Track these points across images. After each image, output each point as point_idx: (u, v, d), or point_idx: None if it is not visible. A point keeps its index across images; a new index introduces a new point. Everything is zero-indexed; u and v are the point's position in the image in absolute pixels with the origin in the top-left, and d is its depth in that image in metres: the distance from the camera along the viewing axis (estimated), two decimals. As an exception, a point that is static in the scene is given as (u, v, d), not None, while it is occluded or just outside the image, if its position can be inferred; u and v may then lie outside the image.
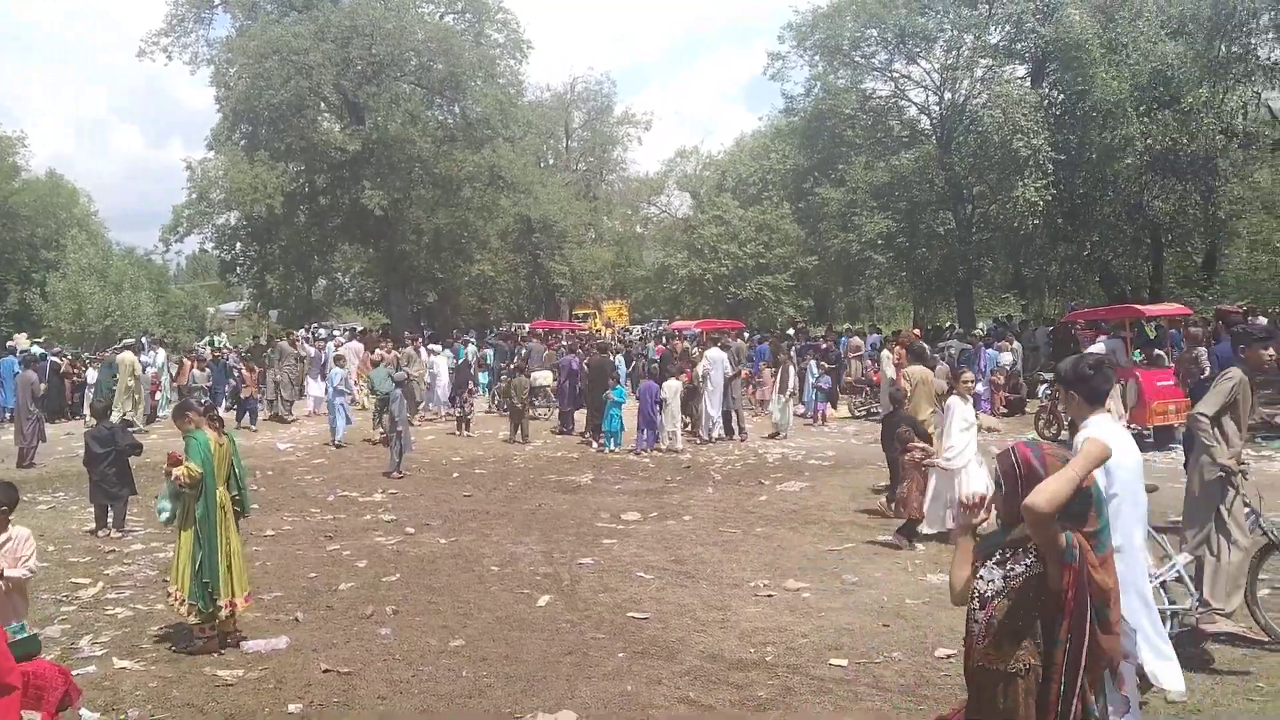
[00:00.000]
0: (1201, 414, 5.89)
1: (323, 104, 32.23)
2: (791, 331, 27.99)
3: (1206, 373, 9.54)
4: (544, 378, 20.16)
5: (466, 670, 5.88)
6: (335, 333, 30.12)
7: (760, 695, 5.44)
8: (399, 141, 29.70)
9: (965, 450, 8.97)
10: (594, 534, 9.63)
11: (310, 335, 26.37)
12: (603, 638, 6.47)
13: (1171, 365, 15.53)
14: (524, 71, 35.49)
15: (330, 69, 29.24)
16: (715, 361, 16.29)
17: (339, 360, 17.94)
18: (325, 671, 5.90)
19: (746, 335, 28.50)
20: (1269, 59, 23.05)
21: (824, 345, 22.57)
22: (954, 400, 9.20)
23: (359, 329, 34.92)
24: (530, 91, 42.24)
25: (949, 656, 5.99)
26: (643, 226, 55.67)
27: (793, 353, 19.18)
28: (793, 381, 17.30)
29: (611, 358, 18.99)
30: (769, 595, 7.40)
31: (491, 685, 5.64)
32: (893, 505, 9.75)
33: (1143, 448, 12.79)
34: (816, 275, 35.31)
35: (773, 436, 16.57)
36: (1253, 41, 22.96)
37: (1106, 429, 3.76)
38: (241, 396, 20.02)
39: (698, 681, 5.65)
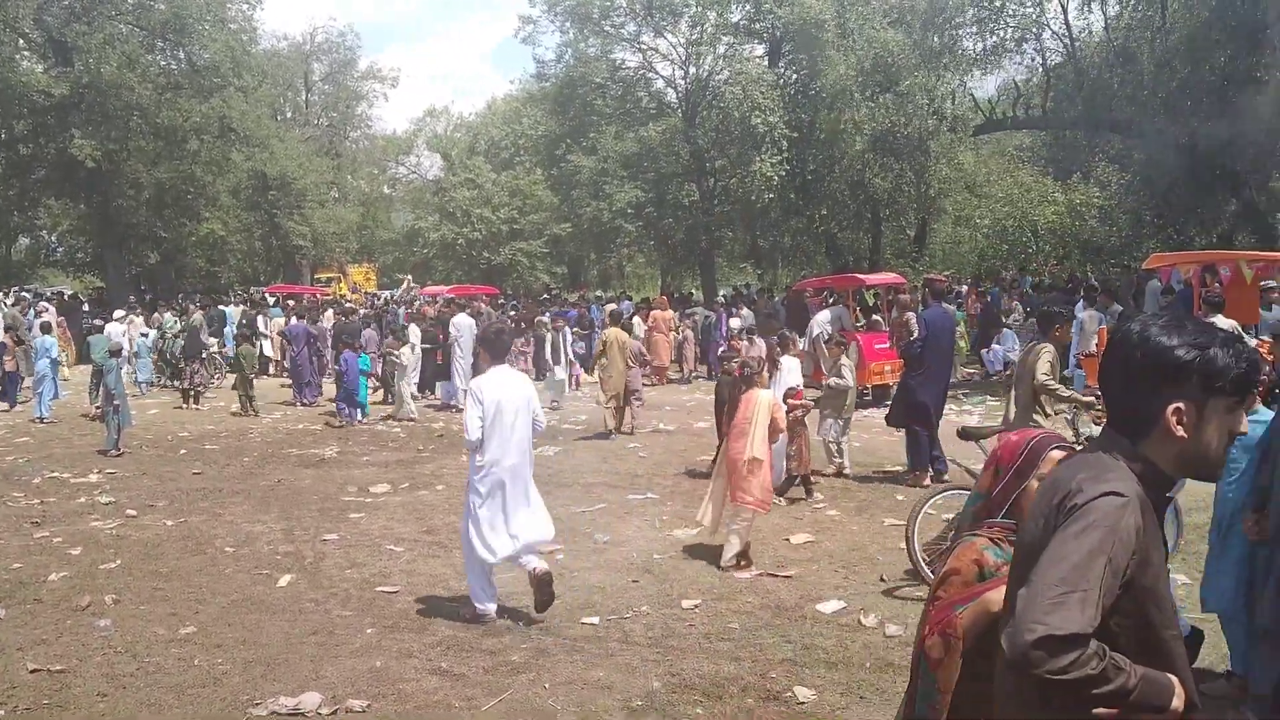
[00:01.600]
0: (1047, 381, 7.44)
1: (21, 41, 28.53)
2: (545, 298, 28.16)
3: (915, 335, 10.50)
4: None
5: (199, 658, 5.50)
6: (42, 298, 26.97)
7: (514, 660, 5.47)
8: (114, 87, 26.83)
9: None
10: (339, 508, 9.27)
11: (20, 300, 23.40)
12: (350, 615, 6.26)
13: (887, 329, 17.00)
14: (258, 18, 33.12)
15: (30, 1, 25.91)
16: (463, 328, 16.03)
17: (46, 328, 16.14)
18: (33, 671, 5.32)
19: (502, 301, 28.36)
20: (973, 50, 25.57)
21: (577, 311, 22.86)
22: (786, 360, 10.07)
23: (68, 293, 31.49)
24: (265, 39, 39.52)
25: (695, 606, 6.30)
26: (391, 187, 53.77)
27: (546, 319, 19.29)
28: (554, 351, 17.47)
29: (360, 323, 18.31)
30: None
31: (228, 672, 5.32)
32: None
33: (862, 405, 13.91)
34: (570, 242, 35.67)
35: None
36: (959, 34, 25.35)
37: None
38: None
39: (450, 651, 5.60)
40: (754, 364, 8.38)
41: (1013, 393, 7.87)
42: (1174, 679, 1.87)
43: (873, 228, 28.82)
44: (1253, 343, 9.37)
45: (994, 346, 19.24)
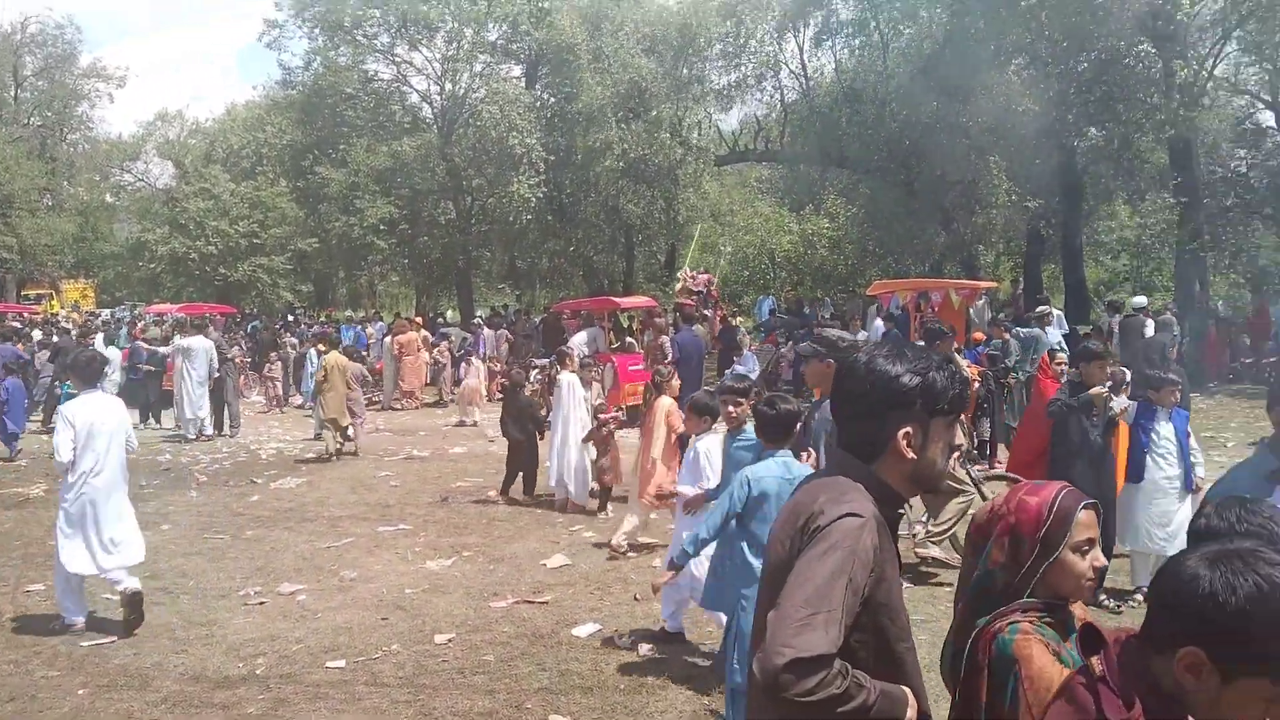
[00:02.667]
0: None
1: None
2: (291, 318, 26.71)
3: (670, 358, 10.86)
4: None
5: None
6: None
7: (250, 712, 5.08)
8: None
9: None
10: (46, 554, 8.28)
11: None
12: (57, 675, 5.59)
13: (640, 351, 17.46)
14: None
15: None
16: (196, 351, 14.86)
17: None
18: None
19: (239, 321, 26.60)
20: (719, 83, 26.89)
21: (328, 331, 21.83)
22: (564, 376, 10.22)
23: None
24: (-40, 25, 35.04)
25: (448, 641, 6.12)
26: (114, 196, 49.11)
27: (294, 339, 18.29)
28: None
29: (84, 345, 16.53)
30: (260, 603, 6.95)
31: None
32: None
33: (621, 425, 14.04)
34: (317, 258, 33.96)
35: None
36: (707, 67, 26.58)
37: None
38: None
39: (177, 708, 5.12)
40: (665, 371, 8.75)
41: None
42: (907, 690, 1.98)
43: (626, 252, 29.56)
44: (965, 364, 10.42)
45: (735, 368, 20.19)
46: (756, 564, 4.15)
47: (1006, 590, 2.10)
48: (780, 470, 4.46)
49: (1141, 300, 18.01)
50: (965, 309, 14.63)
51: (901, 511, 2.16)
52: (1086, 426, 6.47)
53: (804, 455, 5.02)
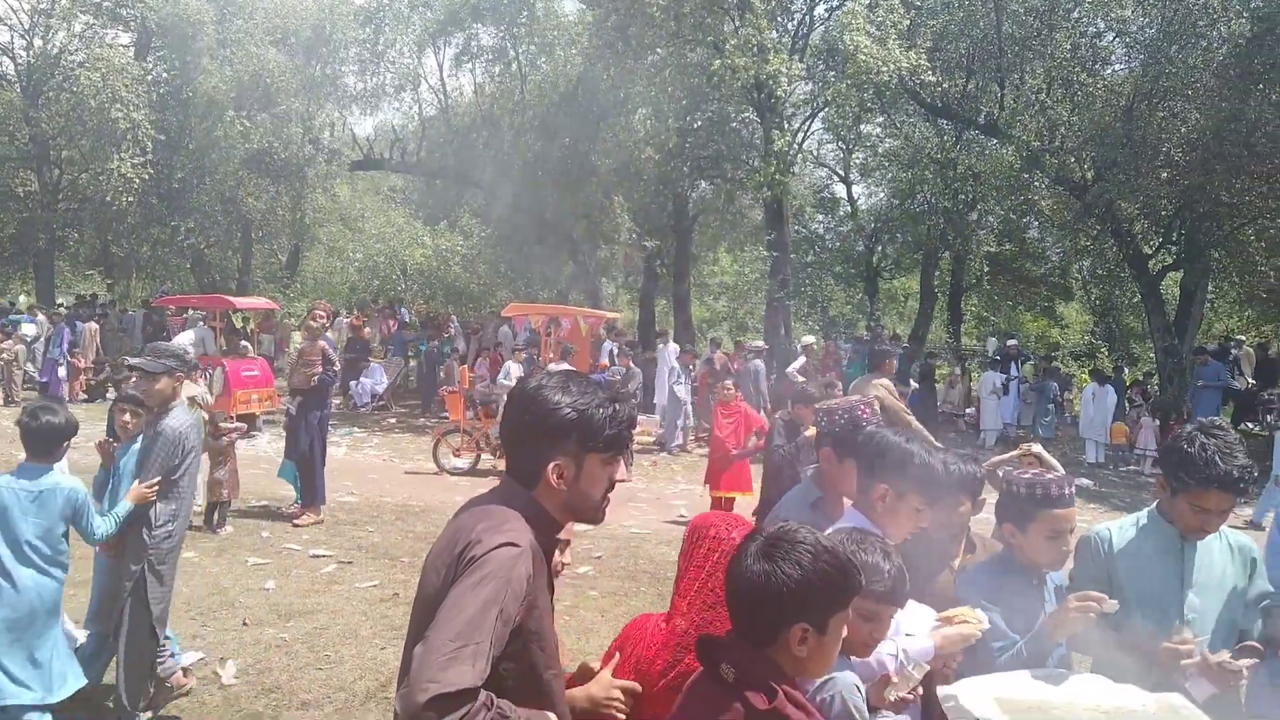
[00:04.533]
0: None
1: None
2: None
3: (334, 365, 10.46)
4: None
5: None
6: None
7: None
8: None
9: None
10: None
11: None
12: None
13: (258, 356, 16.49)
14: None
15: None
16: None
17: None
18: None
19: None
20: (354, 87, 26.08)
21: None
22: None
23: None
24: None
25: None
26: None
27: None
28: None
29: None
30: None
31: None
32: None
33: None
34: None
35: None
36: (341, 69, 25.67)
37: None
38: None
39: None
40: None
41: None
42: (552, 716, 2.03)
43: (244, 248, 27.64)
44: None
45: (362, 379, 19.72)
46: None
47: None
48: (11, 480, 4.15)
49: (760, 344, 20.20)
50: (591, 336, 15.52)
51: (561, 537, 2.20)
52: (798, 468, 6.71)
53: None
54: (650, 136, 21.39)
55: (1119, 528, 3.10)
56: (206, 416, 9.67)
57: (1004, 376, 17.78)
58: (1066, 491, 2.92)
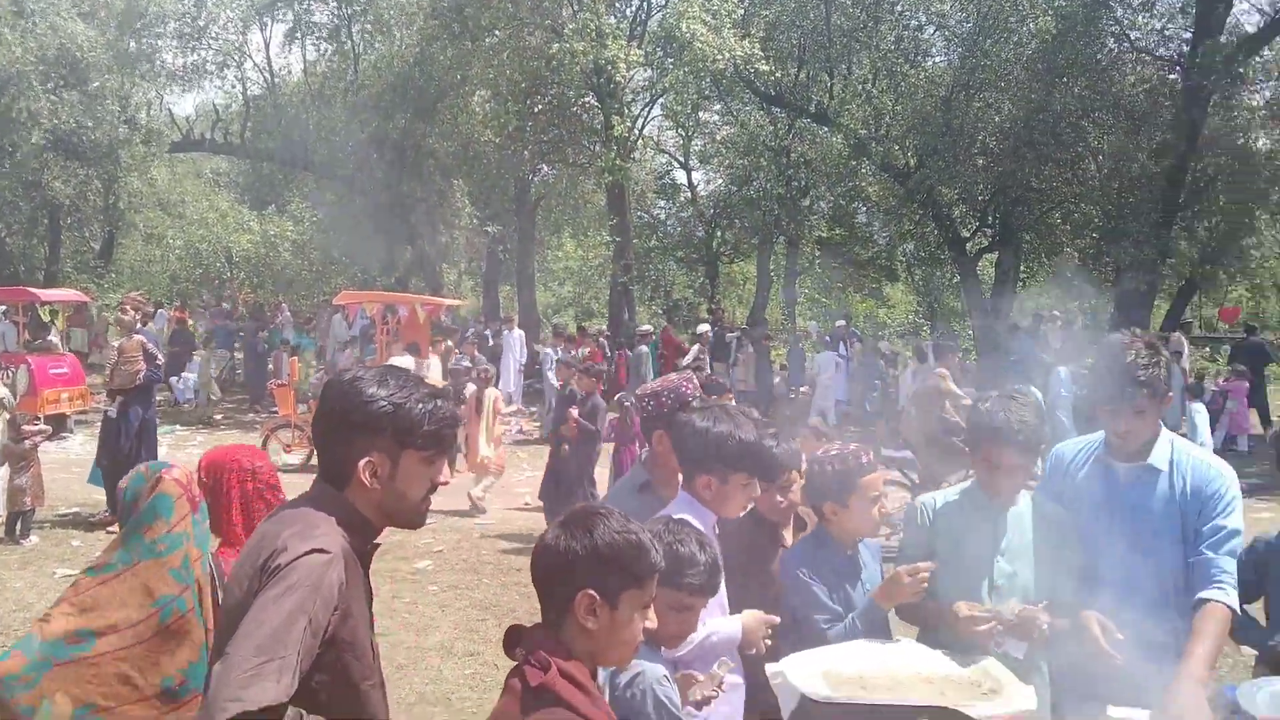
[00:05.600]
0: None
1: None
2: None
3: (158, 359, 9.81)
4: None
5: None
6: None
7: None
8: None
9: None
10: None
11: None
12: None
13: (67, 353, 15.38)
14: None
15: None
16: None
17: None
18: None
19: None
20: (172, 64, 24.50)
21: None
22: None
23: None
24: None
25: None
26: None
27: None
28: None
29: None
30: None
31: None
32: None
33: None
34: None
35: None
36: (158, 44, 24.07)
37: None
38: None
39: None
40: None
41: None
42: None
43: (50, 236, 25.64)
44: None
45: (184, 375, 18.69)
46: None
47: None
48: None
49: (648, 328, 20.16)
50: (429, 324, 15.16)
51: (378, 542, 2.09)
52: None
53: None
54: (489, 119, 21.03)
55: (943, 496, 3.24)
56: (7, 418, 8.97)
57: (838, 356, 18.48)
58: (869, 458, 3.09)
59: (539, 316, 26.44)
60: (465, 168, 21.47)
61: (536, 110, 22.36)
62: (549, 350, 16.50)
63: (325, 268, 25.63)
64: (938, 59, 21.50)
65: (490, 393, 11.00)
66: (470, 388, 11.15)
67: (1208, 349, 23.59)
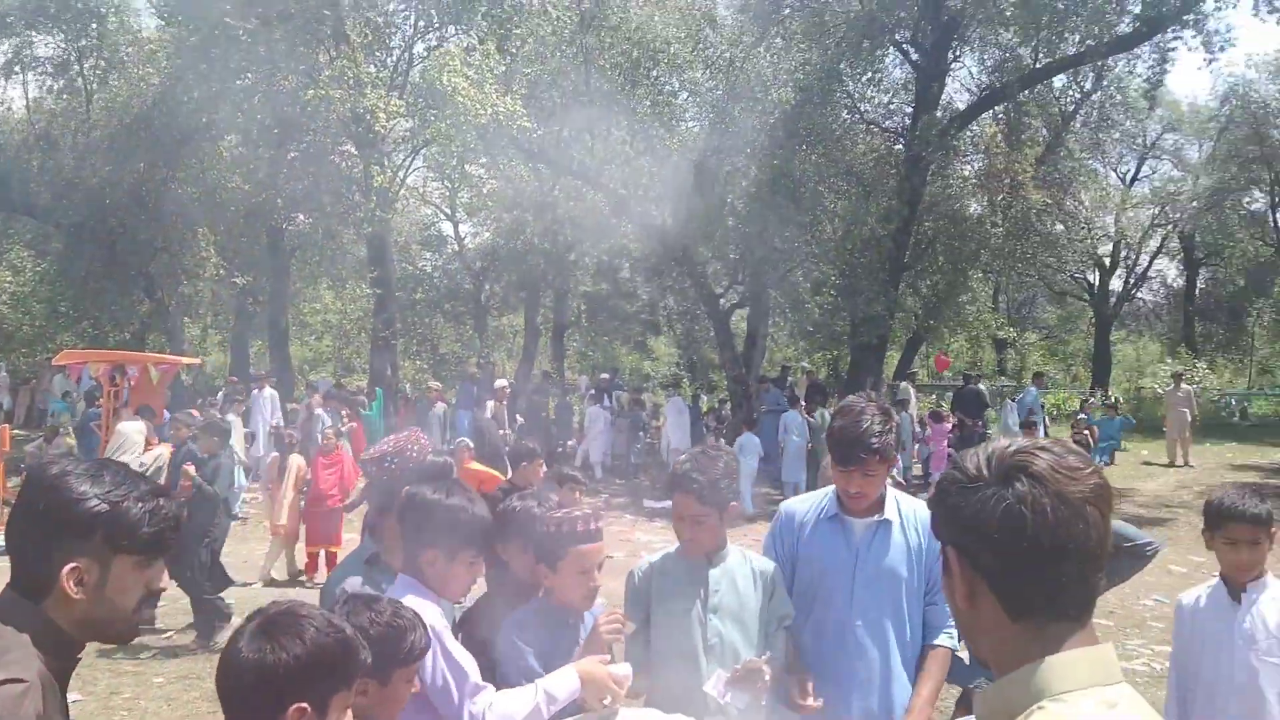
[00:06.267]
0: None
1: None
2: None
3: None
4: None
5: None
6: None
7: None
8: None
9: None
10: None
11: None
12: None
13: None
14: None
15: None
16: None
17: None
18: None
19: None
20: None
21: None
22: None
23: None
24: None
25: None
26: None
27: None
28: None
29: None
30: None
31: None
32: None
33: None
34: None
35: None
36: None
37: None
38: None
39: None
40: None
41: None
42: None
43: None
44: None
45: None
46: None
47: None
48: None
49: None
50: (164, 385, 14.05)
51: (80, 657, 1.82)
52: None
53: None
54: (238, 165, 20.02)
55: (662, 554, 3.27)
56: None
57: (605, 409, 18.79)
58: (594, 527, 2.98)
59: (294, 373, 25.20)
60: (211, 215, 20.27)
61: (291, 157, 21.53)
62: (321, 413, 15.60)
63: (50, 322, 23.32)
64: (691, 124, 22.60)
65: (294, 459, 10.69)
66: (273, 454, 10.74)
67: (934, 395, 25.88)
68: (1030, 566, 1.28)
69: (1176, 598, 3.74)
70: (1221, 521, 3.34)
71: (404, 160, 24.65)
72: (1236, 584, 3.36)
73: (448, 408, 17.88)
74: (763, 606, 3.16)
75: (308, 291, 27.84)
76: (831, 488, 3.32)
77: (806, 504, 3.40)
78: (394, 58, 22.47)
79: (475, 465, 9.81)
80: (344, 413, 15.94)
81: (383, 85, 19.28)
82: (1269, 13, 17.23)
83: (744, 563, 3.21)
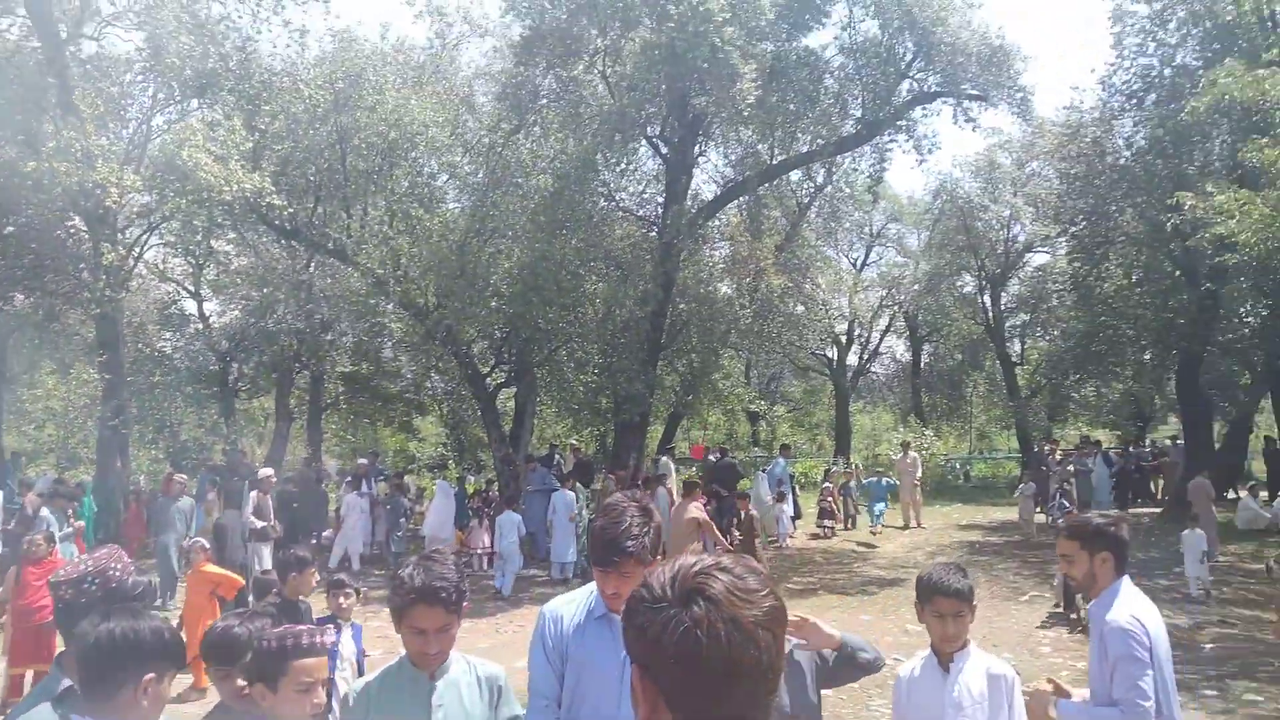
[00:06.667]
0: None
1: None
2: None
3: None
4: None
5: None
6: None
7: None
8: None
9: None
10: None
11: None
12: None
13: None
14: None
15: None
16: None
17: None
18: None
19: None
20: None
21: None
22: None
23: None
24: None
25: None
26: None
27: None
28: None
29: None
30: None
31: None
32: None
33: None
34: None
35: None
36: None
37: None
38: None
39: None
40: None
41: None
42: None
43: None
44: None
45: None
46: None
47: None
48: None
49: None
50: None
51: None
52: None
53: None
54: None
55: (375, 675, 3.18)
56: None
57: (363, 496, 18.03)
58: (318, 640, 2.91)
59: (7, 464, 22.59)
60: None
61: (7, 232, 19.60)
62: (47, 512, 13.89)
63: None
64: (452, 205, 22.62)
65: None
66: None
67: (694, 468, 26.85)
68: (703, 688, 1.36)
69: (897, 671, 4.10)
70: (930, 595, 3.74)
71: (140, 236, 23.06)
72: (944, 655, 3.74)
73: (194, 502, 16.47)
74: (487, 716, 3.12)
75: (26, 377, 25.22)
76: (594, 584, 3.29)
77: (573, 604, 3.31)
78: (130, 130, 21.14)
79: (210, 568, 9.16)
80: (69, 511, 14.41)
81: (116, 159, 18.04)
82: (965, 121, 19.68)
83: (468, 670, 3.17)
